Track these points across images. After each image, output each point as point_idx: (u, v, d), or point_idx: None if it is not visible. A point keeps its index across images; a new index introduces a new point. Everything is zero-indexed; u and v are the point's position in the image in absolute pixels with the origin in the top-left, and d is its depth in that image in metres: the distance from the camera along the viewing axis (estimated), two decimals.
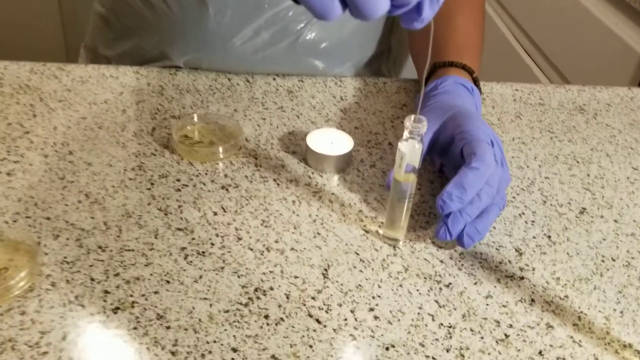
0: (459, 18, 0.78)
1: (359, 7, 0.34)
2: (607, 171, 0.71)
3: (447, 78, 0.69)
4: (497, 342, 0.50)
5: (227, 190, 0.63)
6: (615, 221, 0.64)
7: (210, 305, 0.51)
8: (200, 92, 0.78)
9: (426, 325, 0.51)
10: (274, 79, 0.82)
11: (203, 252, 0.55)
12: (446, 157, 0.64)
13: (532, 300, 0.54)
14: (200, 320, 0.49)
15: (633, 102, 0.86)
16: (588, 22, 1.39)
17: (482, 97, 0.83)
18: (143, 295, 0.51)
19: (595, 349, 0.50)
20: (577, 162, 0.72)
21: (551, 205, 0.65)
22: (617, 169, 0.72)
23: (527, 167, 0.71)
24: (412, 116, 0.51)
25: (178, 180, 0.64)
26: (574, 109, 0.83)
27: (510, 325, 0.52)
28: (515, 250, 0.59)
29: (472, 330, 0.51)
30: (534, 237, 0.61)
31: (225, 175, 0.65)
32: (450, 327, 0.51)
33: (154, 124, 0.72)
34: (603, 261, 0.59)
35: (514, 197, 0.66)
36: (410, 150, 0.52)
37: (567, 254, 0.59)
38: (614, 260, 0.59)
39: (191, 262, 0.54)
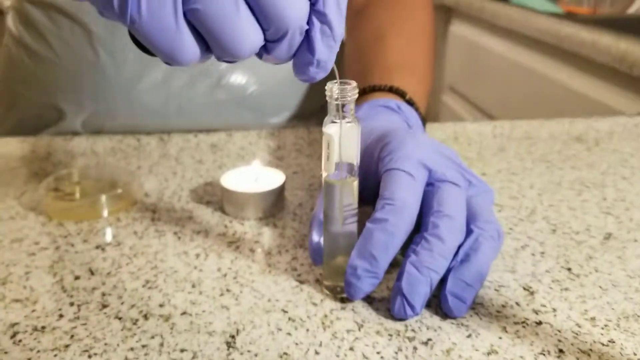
0: (389, 36, 0.60)
1: (223, 43, 0.27)
2: (629, 193, 0.53)
3: (362, 106, 0.51)
4: None
5: (102, 249, 0.44)
6: None
7: None
8: (98, 154, 0.62)
9: None
10: (195, 136, 0.66)
11: (43, 328, 0.36)
12: None
13: (561, 350, 0.34)
14: None
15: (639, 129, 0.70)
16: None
17: (453, 136, 0.67)
18: None
19: None
20: (587, 186, 0.55)
21: (564, 233, 0.47)
22: (639, 189, 0.54)
23: (523, 196, 0.53)
24: (335, 82, 0.34)
25: (36, 243, 0.45)
26: (570, 139, 0.67)
27: None
28: (524, 288, 0.40)
29: None
30: (548, 272, 0.41)
31: (105, 233, 0.46)
32: None
33: (25, 189, 0.54)
34: None
35: (510, 229, 0.47)
36: (338, 131, 0.35)
37: (600, 287, 0.40)
38: None
39: (20, 341, 0.35)
